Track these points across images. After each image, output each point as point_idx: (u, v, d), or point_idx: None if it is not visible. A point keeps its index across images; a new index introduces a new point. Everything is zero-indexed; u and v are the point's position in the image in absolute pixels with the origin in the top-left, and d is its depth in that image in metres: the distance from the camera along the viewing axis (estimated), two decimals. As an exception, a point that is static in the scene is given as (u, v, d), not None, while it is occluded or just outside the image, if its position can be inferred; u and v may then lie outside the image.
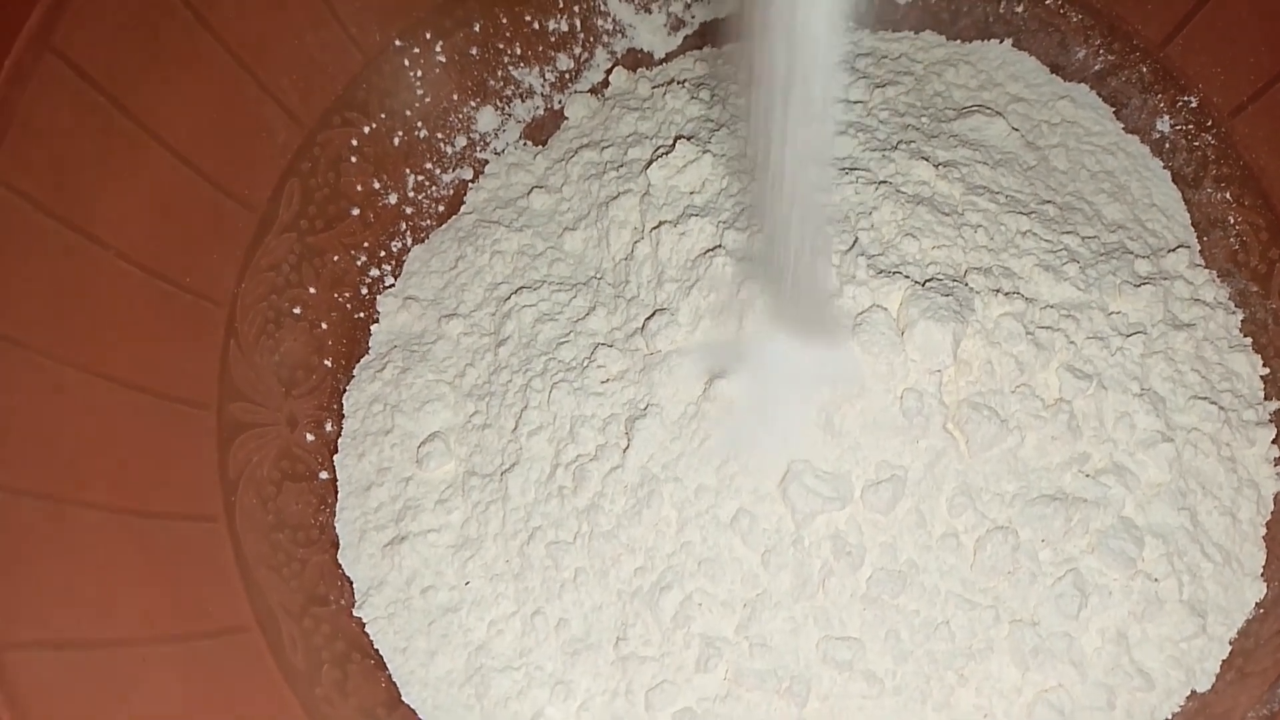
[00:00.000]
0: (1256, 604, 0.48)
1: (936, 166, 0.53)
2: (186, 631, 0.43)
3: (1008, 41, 0.60)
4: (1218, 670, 0.47)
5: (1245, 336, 0.52)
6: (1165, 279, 0.52)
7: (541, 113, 0.62)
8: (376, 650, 0.50)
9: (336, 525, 0.52)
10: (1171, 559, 0.47)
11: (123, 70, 0.46)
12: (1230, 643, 0.47)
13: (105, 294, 0.45)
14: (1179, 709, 0.47)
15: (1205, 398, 0.49)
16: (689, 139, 0.55)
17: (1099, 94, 0.58)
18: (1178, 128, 0.55)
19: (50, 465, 0.41)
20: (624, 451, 0.49)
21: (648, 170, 0.55)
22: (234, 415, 0.50)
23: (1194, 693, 0.47)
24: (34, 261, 0.43)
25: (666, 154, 0.55)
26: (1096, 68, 0.58)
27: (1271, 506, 0.50)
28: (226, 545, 0.47)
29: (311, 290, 0.54)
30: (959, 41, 0.61)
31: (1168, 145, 0.56)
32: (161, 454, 0.46)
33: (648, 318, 0.51)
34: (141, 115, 0.47)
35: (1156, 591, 0.47)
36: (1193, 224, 0.55)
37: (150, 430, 0.46)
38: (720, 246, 0.51)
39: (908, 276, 0.48)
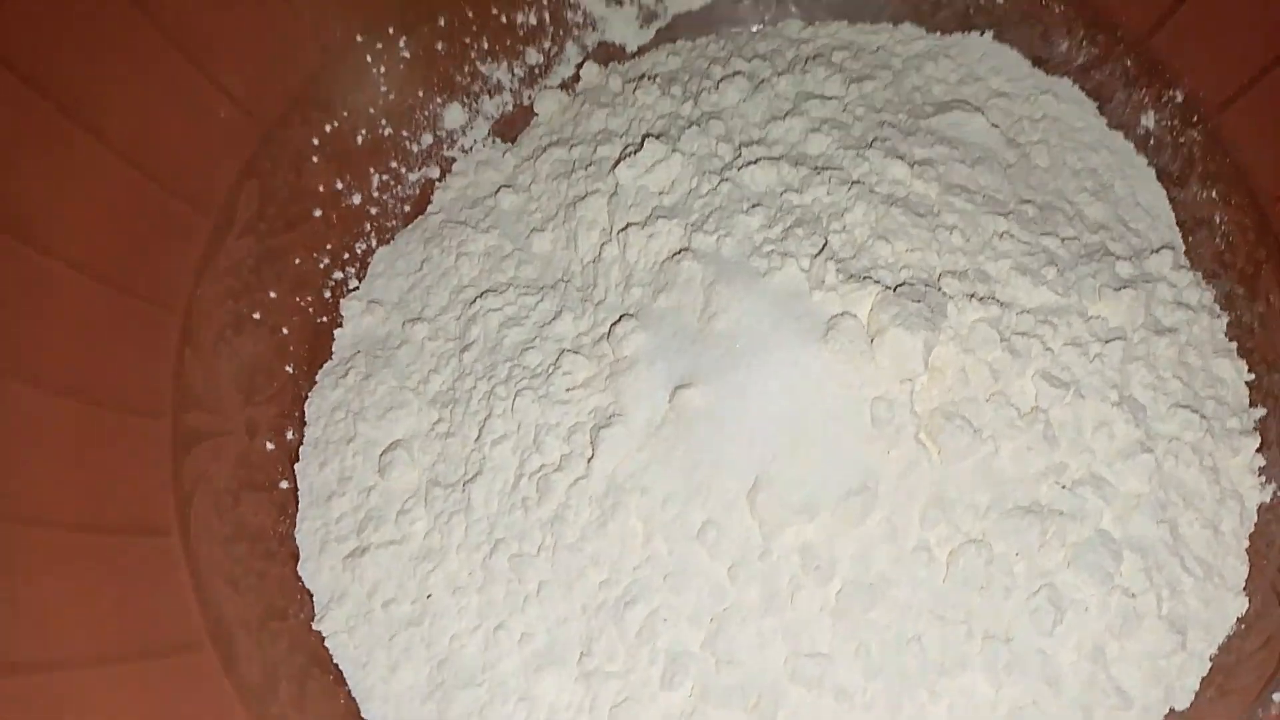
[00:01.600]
0: (1238, 619, 0.47)
1: (912, 165, 0.51)
2: (134, 651, 0.42)
3: (989, 34, 0.58)
4: (1197, 688, 0.46)
5: (1230, 341, 0.51)
6: (1148, 281, 0.50)
7: (510, 109, 0.60)
8: (336, 665, 0.49)
9: (297, 536, 0.51)
10: (1150, 573, 0.46)
11: (63, 68, 0.44)
12: (1211, 659, 0.46)
13: (49, 303, 0.44)
14: (1156, 727, 0.46)
15: (1187, 406, 0.48)
16: (657, 137, 0.54)
17: (1083, 88, 0.56)
18: (1163, 123, 0.54)
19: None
20: (589, 461, 0.47)
21: (615, 170, 0.53)
22: (189, 424, 0.48)
23: (1172, 710, 0.46)
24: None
25: (635, 153, 0.53)
26: (1080, 61, 0.56)
27: (1255, 518, 0.48)
28: (180, 559, 0.46)
29: (272, 294, 0.53)
30: (939, 34, 0.59)
31: (1153, 142, 0.54)
32: (111, 467, 0.45)
33: (614, 323, 0.49)
34: (85, 115, 0.45)
35: (1134, 607, 0.45)
36: (1178, 223, 0.53)
37: (99, 442, 0.45)
38: (689, 249, 0.49)
39: (879, 281, 0.47)
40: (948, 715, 0.45)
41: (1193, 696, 0.46)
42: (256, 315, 0.52)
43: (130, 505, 0.45)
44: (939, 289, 0.47)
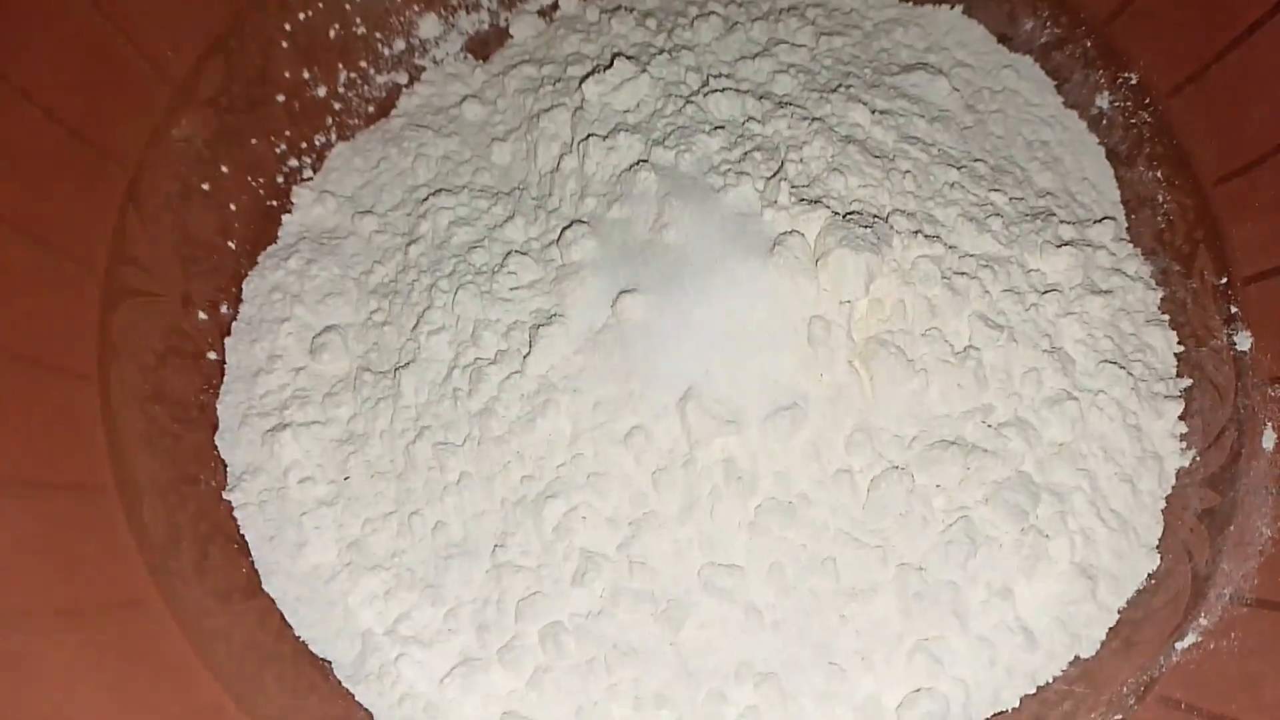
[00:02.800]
0: (1149, 575, 0.47)
1: (873, 113, 0.52)
2: (36, 478, 0.41)
3: (959, 8, 0.60)
4: (1103, 638, 0.46)
5: (1163, 314, 0.52)
6: (1089, 246, 0.51)
7: (486, 28, 0.61)
8: (243, 536, 0.48)
9: (218, 407, 0.50)
10: (1066, 518, 0.46)
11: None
12: (1119, 612, 0.46)
13: (2, 125, 0.43)
14: (1060, 673, 0.46)
15: (1116, 363, 0.49)
16: (629, 59, 0.54)
17: (1043, 67, 0.58)
18: (1116, 104, 0.55)
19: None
20: (524, 359, 0.47)
21: (582, 85, 0.53)
22: (123, 279, 0.48)
23: (1078, 658, 0.46)
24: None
25: (604, 70, 0.54)
26: (1043, 40, 0.58)
27: (1173, 481, 0.49)
28: (94, 404, 0.45)
29: (224, 169, 0.52)
30: (911, 4, 0.61)
31: (1105, 121, 0.56)
32: (39, 301, 0.44)
33: (565, 227, 0.50)
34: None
35: (1047, 549, 0.46)
36: (1123, 201, 0.55)
37: (30, 276, 0.44)
38: (646, 161, 0.50)
39: (829, 207, 0.48)
40: (855, 640, 0.45)
41: (1098, 646, 0.46)
42: (205, 187, 0.52)
43: (53, 342, 0.44)
44: (887, 223, 0.48)
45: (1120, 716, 0.44)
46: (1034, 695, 0.45)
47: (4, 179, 0.44)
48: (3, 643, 0.37)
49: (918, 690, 0.44)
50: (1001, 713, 0.45)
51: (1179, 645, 0.45)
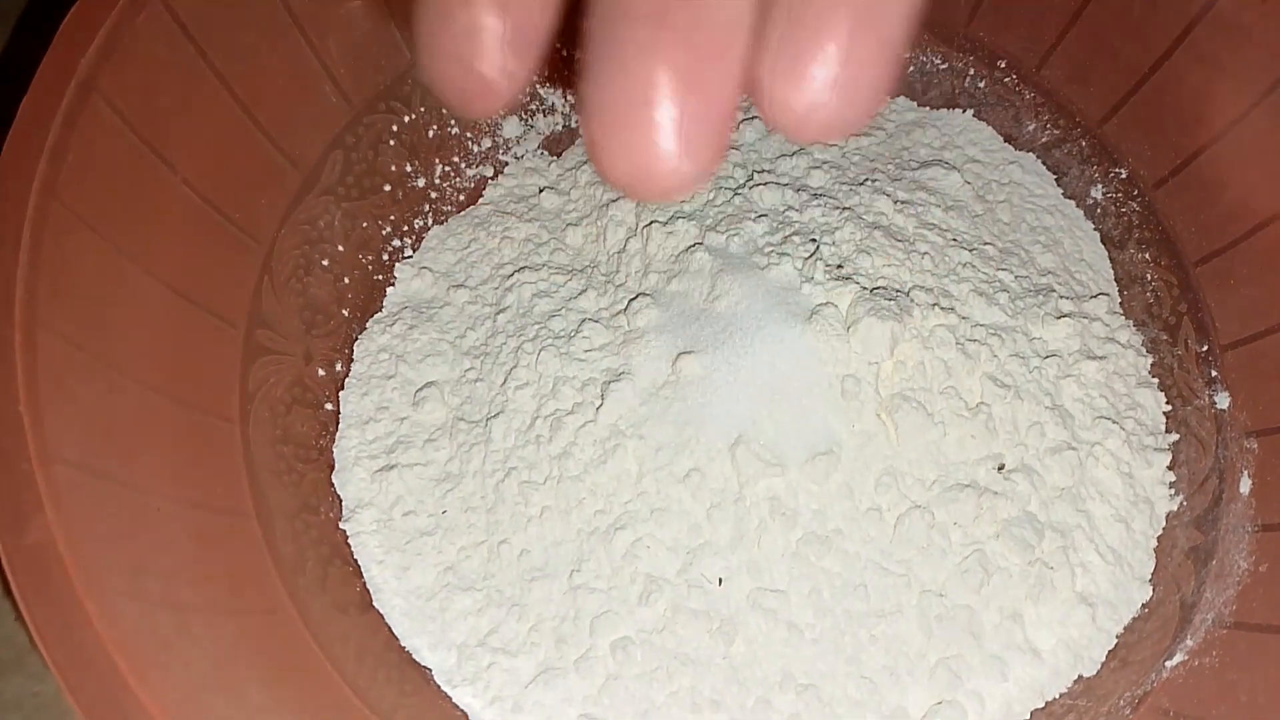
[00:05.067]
0: (1143, 605, 0.54)
1: (895, 203, 0.61)
2: (195, 500, 0.49)
3: (969, 112, 0.69)
4: (1103, 659, 0.53)
5: (1153, 377, 0.59)
6: (1085, 318, 0.59)
7: (560, 129, 0.70)
8: (356, 560, 0.55)
9: (334, 450, 0.58)
10: (1067, 552, 0.53)
11: (210, 32, 0.53)
12: (1116, 637, 0.53)
13: (165, 210, 0.52)
14: (1066, 689, 0.52)
15: (1110, 419, 0.56)
16: (685, 156, 0.63)
17: (1044, 163, 0.66)
18: (1109, 195, 0.63)
19: (104, 334, 0.47)
20: (597, 410, 0.55)
21: (646, 178, 0.62)
22: (258, 339, 0.56)
23: (1081, 677, 0.52)
24: (117, 165, 0.50)
25: (664, 166, 0.62)
26: (1043, 140, 0.66)
27: (1163, 523, 0.56)
28: (239, 444, 0.53)
29: (340, 248, 0.61)
30: (928, 108, 0.70)
31: (1099, 210, 0.64)
32: (195, 355, 0.52)
33: (631, 299, 0.58)
34: (220, 66, 0.54)
35: (1051, 579, 0.52)
36: (1115, 279, 0.62)
37: (189, 333, 0.52)
38: (701, 244, 0.58)
39: (858, 283, 0.56)
40: (884, 656, 0.51)
41: (1099, 666, 0.52)
42: (325, 263, 0.60)
43: (206, 391, 0.52)
44: (908, 296, 0.56)
45: (1116, 725, 0.50)
46: (1042, 709, 0.52)
47: (170, 250, 0.52)
48: (169, 620, 0.44)
49: (939, 702, 0.51)
50: (1013, 724, 0.52)
51: (1168, 663, 0.51)
